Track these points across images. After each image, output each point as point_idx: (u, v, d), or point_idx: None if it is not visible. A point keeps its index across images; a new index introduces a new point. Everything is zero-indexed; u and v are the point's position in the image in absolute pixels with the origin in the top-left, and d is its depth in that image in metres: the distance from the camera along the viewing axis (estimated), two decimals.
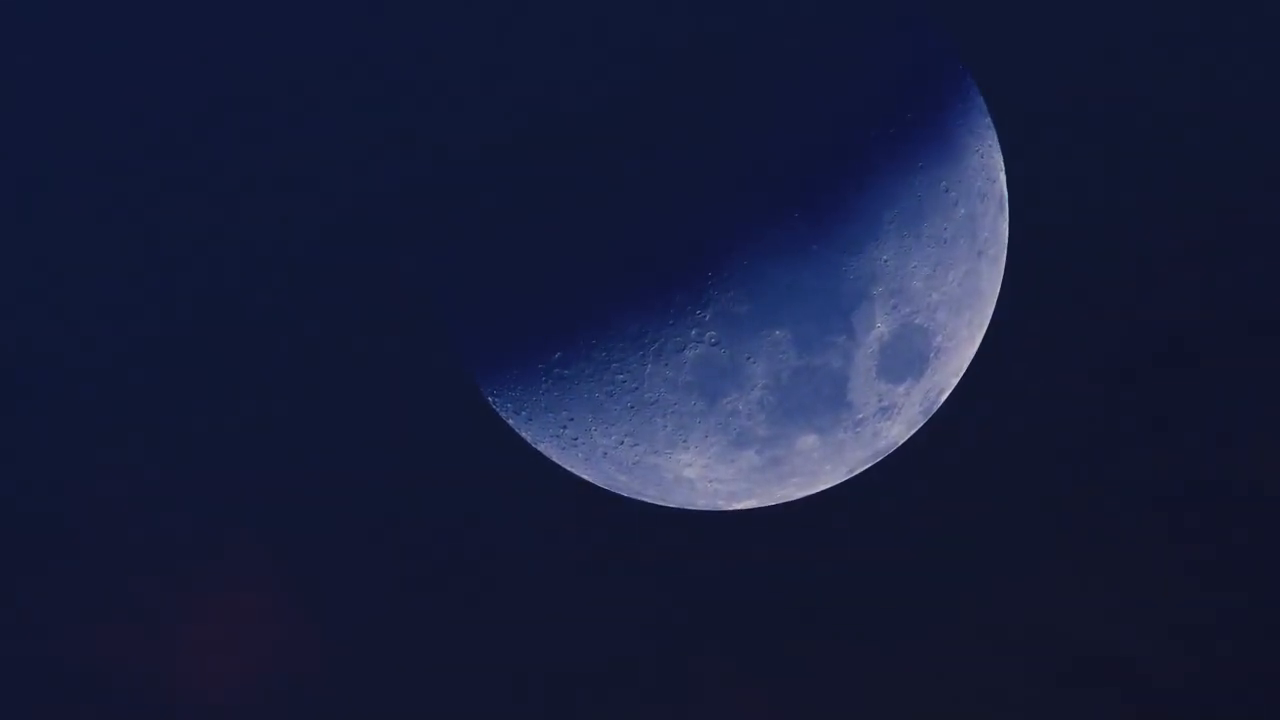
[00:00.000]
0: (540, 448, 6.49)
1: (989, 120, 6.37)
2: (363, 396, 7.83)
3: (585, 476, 6.56)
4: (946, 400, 6.56)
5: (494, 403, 6.39)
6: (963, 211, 6.07)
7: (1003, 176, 6.47)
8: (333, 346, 7.78)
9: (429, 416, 7.78)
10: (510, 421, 6.42)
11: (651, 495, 6.49)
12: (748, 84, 5.67)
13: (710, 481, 6.24)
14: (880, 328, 5.89)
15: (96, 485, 7.87)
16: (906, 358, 6.07)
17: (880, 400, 6.10)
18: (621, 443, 6.09)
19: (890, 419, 6.22)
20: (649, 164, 5.61)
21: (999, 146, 6.44)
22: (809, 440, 6.07)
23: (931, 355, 6.16)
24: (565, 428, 6.19)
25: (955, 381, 6.54)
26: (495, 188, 5.87)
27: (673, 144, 5.62)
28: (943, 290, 6.03)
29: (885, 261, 5.80)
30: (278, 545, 7.94)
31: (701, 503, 6.47)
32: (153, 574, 7.85)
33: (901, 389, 6.15)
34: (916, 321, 5.99)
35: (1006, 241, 6.50)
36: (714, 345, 5.76)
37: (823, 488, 6.54)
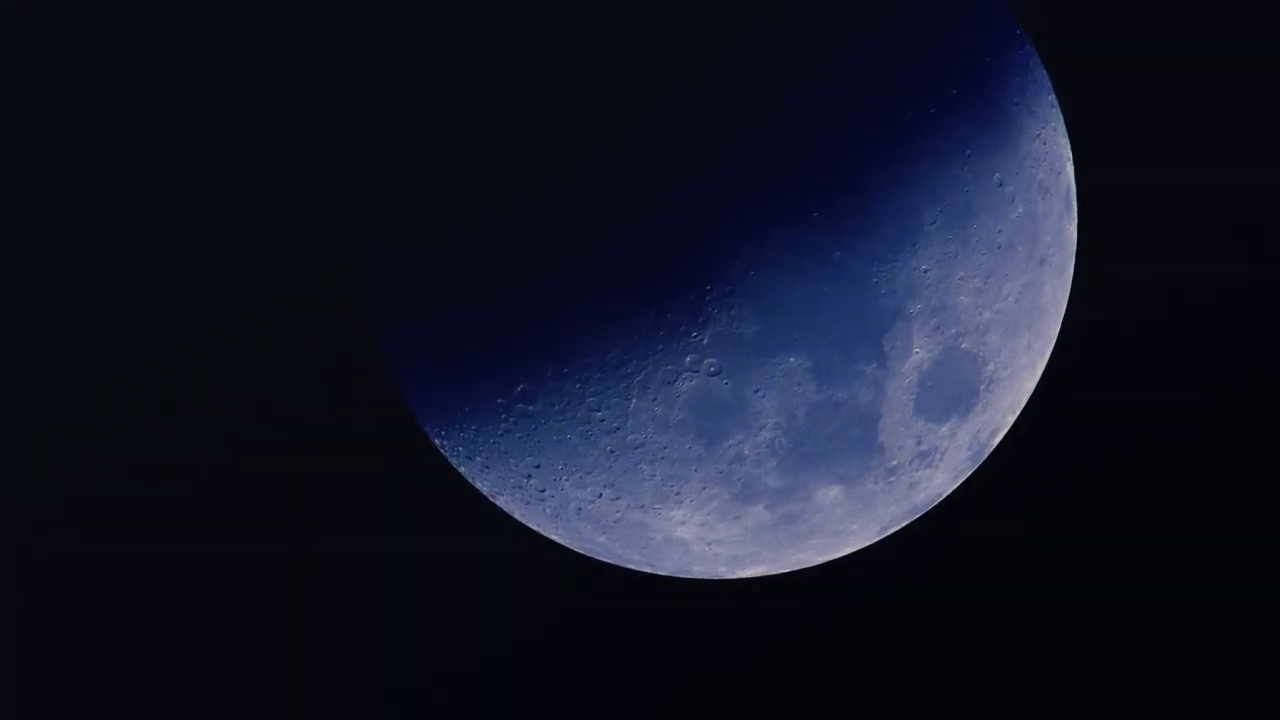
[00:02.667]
0: (499, 502, 6.17)
1: (1053, 98, 5.99)
2: (277, 434, 7.33)
3: (554, 537, 6.23)
4: (1000, 443, 6.23)
5: (442, 447, 6.08)
6: (1021, 210, 5.68)
7: (1070, 167, 6.09)
8: (232, 371, 7.35)
9: (360, 463, 7.28)
10: (462, 470, 6.12)
11: (636, 560, 6.17)
12: (753, 51, 5.31)
13: (709, 544, 5.89)
14: (919, 353, 5.53)
15: None
16: (951, 391, 5.69)
17: (919, 443, 5.75)
18: (599, 496, 5.76)
19: (931, 466, 5.89)
20: (631, 150, 5.24)
21: (1065, 130, 6.07)
22: (831, 493, 5.73)
23: (982, 387, 5.80)
24: (530, 477, 5.85)
25: (1011, 420, 6.18)
26: (441, 174, 5.52)
27: (661, 125, 5.23)
28: (996, 307, 5.66)
29: (925, 272, 5.45)
30: (186, 611, 7.54)
31: (698, 569, 6.14)
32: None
33: (945, 429, 5.79)
34: (963, 346, 5.63)
35: (1074, 247, 6.13)
36: (713, 375, 5.41)
37: (848, 551, 6.24)
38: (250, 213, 7.27)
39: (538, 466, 5.77)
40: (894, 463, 5.73)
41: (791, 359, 5.39)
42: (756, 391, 5.42)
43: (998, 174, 5.60)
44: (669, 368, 5.41)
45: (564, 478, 5.77)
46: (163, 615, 7.70)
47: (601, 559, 6.26)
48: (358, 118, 5.88)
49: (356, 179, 5.88)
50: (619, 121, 5.26)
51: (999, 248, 5.61)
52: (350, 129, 5.87)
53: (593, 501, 5.80)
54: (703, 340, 5.35)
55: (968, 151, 5.51)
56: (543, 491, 5.87)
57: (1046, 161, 5.87)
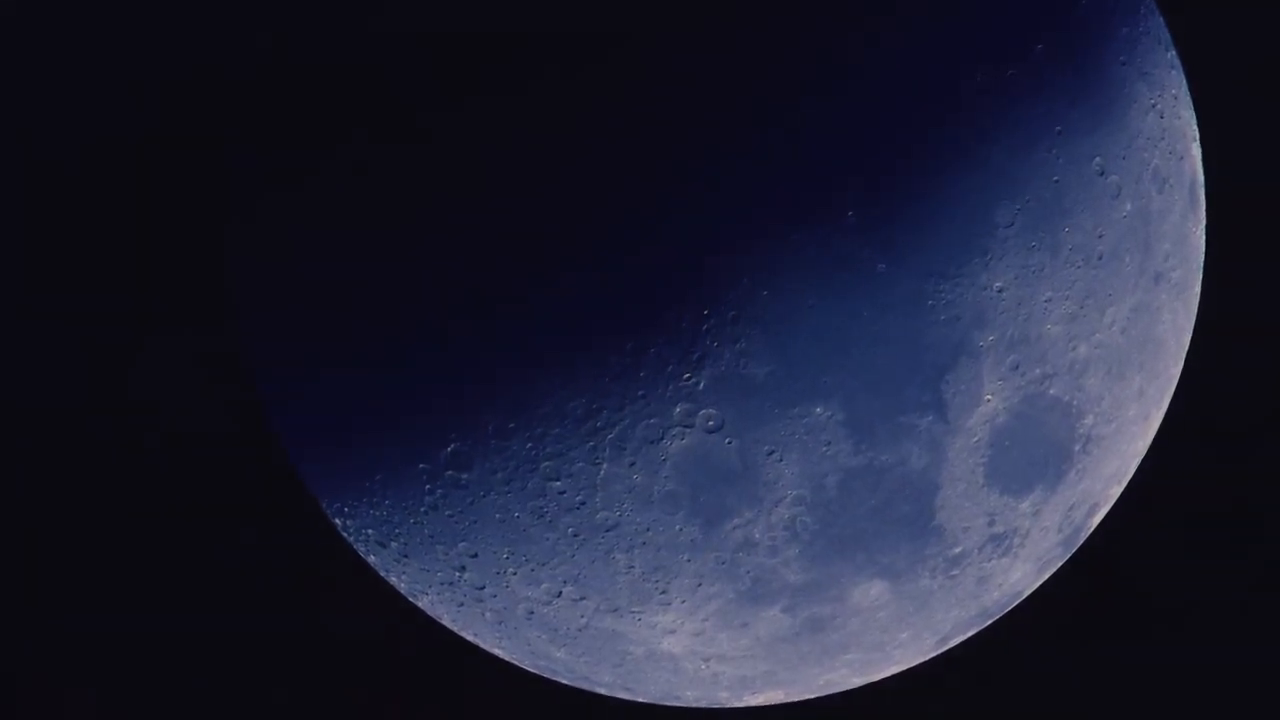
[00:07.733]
0: (423, 603, 5.71)
1: (1174, 55, 5.47)
2: (133, 508, 6.87)
3: (498, 651, 5.77)
4: (1102, 524, 5.77)
5: (344, 529, 5.59)
6: (1129, 207, 5.10)
7: (1196, 149, 5.59)
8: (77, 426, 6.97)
9: (231, 552, 6.78)
10: (372, 560, 5.64)
11: (608, 683, 5.71)
12: None
13: (706, 660, 5.40)
14: (991, 402, 4.98)
15: None
16: (1035, 453, 5.15)
17: (991, 524, 5.19)
18: (558, 595, 5.25)
19: (1008, 554, 5.36)
20: (597, 119, 4.66)
21: (1189, 100, 5.55)
22: (872, 590, 5.24)
23: (1077, 448, 5.26)
24: (464, 570, 5.31)
25: (1116, 493, 5.72)
26: (333, 149, 4.88)
27: (638, 88, 4.69)
28: (1095, 339, 5.13)
29: (999, 292, 4.90)
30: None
31: (691, 694, 5.68)
32: None
33: (1026, 505, 5.24)
34: (1051, 392, 5.09)
35: (1201, 258, 5.66)
36: (712, 431, 4.88)
37: (895, 670, 5.81)
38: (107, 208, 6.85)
39: (475, 555, 5.24)
40: (957, 550, 5.22)
41: (818, 409, 4.86)
42: (771, 453, 4.90)
43: (1098, 159, 5.03)
44: (652, 421, 4.90)
45: (510, 570, 5.23)
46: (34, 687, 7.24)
47: (562, 681, 5.85)
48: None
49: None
50: (582, 79, 4.69)
51: (1100, 259, 5.06)
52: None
53: (549, 603, 5.29)
54: (698, 384, 4.84)
55: (1057, 128, 4.93)
56: (481, 589, 5.36)
57: (1165, 142, 5.32)
